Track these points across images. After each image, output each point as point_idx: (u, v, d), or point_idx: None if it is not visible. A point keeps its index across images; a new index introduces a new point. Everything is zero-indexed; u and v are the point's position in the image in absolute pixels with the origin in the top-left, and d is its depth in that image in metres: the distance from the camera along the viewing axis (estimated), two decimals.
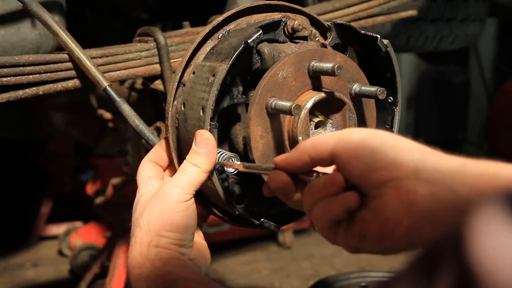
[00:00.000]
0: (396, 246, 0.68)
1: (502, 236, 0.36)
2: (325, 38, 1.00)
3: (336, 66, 0.85)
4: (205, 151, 0.84)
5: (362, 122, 0.98)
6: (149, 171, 0.94)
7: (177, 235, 0.84)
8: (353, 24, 1.00)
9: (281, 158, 0.79)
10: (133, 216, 0.88)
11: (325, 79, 0.92)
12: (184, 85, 0.94)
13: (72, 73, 1.18)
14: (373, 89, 0.91)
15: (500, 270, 0.35)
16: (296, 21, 0.94)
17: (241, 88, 0.91)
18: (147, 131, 1.13)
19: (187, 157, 0.86)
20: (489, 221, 0.37)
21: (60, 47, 1.21)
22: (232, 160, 0.88)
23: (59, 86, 1.17)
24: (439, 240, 0.42)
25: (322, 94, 0.89)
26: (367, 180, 0.70)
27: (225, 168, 0.87)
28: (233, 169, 0.88)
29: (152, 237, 0.83)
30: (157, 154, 0.96)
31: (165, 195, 0.85)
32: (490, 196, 0.39)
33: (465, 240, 0.37)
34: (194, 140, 0.85)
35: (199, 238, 0.92)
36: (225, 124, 0.93)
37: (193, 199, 0.86)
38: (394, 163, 0.67)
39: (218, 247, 2.93)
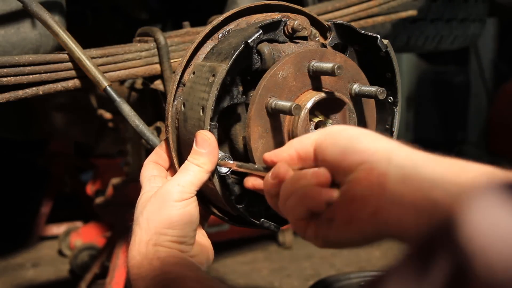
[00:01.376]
0: (363, 231, 0.68)
1: (494, 213, 0.35)
2: (325, 38, 1.00)
3: (336, 66, 0.85)
4: (206, 151, 0.84)
5: (362, 122, 0.98)
6: (152, 170, 0.94)
7: (177, 232, 0.84)
8: (353, 24, 1.00)
9: (270, 153, 0.81)
10: (134, 215, 0.89)
11: (325, 79, 0.92)
12: (184, 85, 0.94)
13: (72, 73, 1.18)
14: (373, 89, 0.91)
15: (492, 245, 0.34)
16: (296, 21, 0.94)
17: (241, 88, 0.90)
18: (147, 131, 1.13)
19: (189, 157, 0.86)
20: (480, 202, 0.37)
21: (60, 47, 1.21)
22: (225, 160, 0.88)
23: (59, 86, 1.17)
24: (432, 230, 0.42)
25: (322, 94, 0.89)
26: (342, 164, 0.71)
27: (218, 168, 0.87)
28: (226, 169, 0.88)
29: (151, 235, 0.83)
30: (158, 155, 0.97)
31: (165, 193, 0.85)
32: (481, 185, 0.39)
33: (457, 224, 0.37)
34: (195, 141, 0.85)
35: (201, 235, 0.92)
36: (225, 124, 0.93)
37: (194, 197, 0.86)
38: (369, 148, 0.69)
39: (218, 247, 2.92)
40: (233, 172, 0.89)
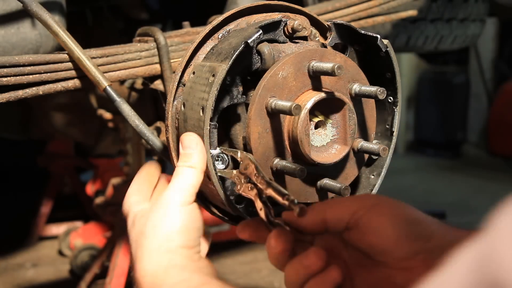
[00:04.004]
0: None
1: None
2: (325, 38, 1.00)
3: (336, 66, 0.85)
4: (195, 151, 0.84)
5: (362, 122, 0.98)
6: (133, 197, 0.93)
7: (185, 237, 0.82)
8: (353, 24, 1.00)
9: (289, 215, 0.82)
10: (133, 233, 0.86)
11: (325, 79, 0.92)
12: (184, 85, 0.94)
13: (72, 73, 1.17)
14: (373, 89, 0.91)
15: None
16: (296, 21, 0.94)
17: (241, 88, 0.90)
18: (147, 131, 1.13)
19: (179, 162, 0.85)
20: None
21: (60, 47, 1.21)
22: (222, 156, 0.88)
23: (59, 86, 1.17)
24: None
25: (322, 94, 0.89)
26: (396, 250, 0.71)
27: (215, 164, 0.87)
28: (223, 166, 0.88)
29: (161, 241, 0.81)
30: (147, 173, 0.97)
31: (167, 200, 0.84)
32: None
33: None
34: (180, 145, 0.85)
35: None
36: (225, 124, 0.93)
37: (196, 201, 0.86)
38: (425, 234, 0.70)
39: (218, 247, 2.92)
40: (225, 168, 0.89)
